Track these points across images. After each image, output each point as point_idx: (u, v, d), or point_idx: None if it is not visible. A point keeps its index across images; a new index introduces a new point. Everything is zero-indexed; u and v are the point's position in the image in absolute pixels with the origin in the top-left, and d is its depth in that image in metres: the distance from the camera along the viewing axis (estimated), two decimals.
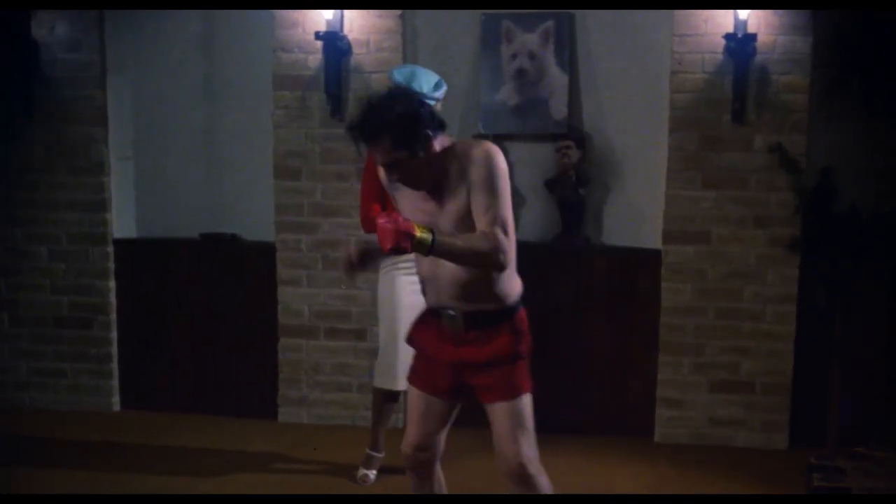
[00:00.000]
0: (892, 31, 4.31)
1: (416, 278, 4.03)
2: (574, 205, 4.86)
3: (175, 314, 5.26)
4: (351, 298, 4.98)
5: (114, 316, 5.27)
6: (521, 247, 4.96)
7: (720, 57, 4.57)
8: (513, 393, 2.91)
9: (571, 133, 4.86)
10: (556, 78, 4.86)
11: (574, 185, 4.83)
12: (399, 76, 3.87)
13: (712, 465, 4.50)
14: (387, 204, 3.99)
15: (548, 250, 4.94)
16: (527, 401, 2.94)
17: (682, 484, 4.26)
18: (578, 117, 4.91)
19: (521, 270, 4.89)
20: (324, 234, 4.96)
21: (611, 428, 4.91)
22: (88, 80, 5.08)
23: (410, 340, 3.13)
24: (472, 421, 4.94)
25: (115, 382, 5.31)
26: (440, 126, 2.82)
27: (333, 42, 4.77)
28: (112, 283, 5.25)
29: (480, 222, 2.79)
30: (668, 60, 4.66)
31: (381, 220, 2.69)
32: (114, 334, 5.28)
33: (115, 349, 5.29)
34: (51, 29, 5.05)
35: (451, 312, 2.91)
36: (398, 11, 4.82)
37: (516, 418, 2.90)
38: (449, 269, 2.86)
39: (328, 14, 4.76)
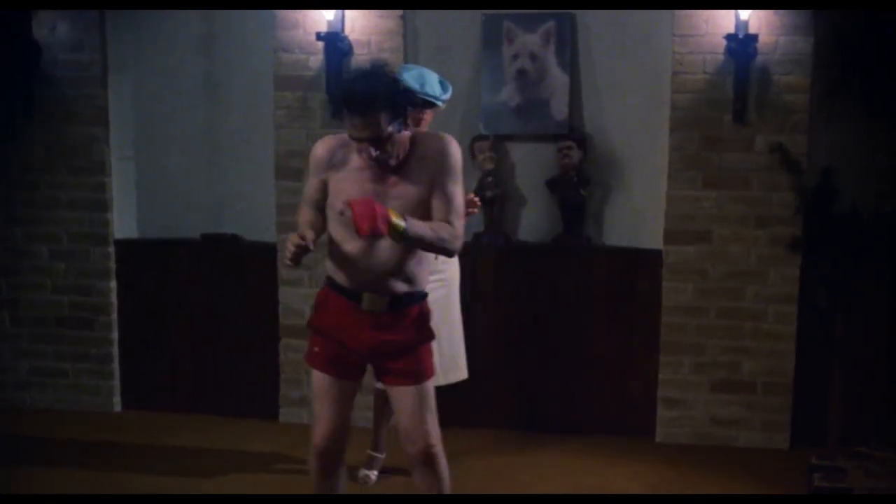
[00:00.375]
0: (894, 31, 4.31)
1: None
2: (575, 205, 4.86)
3: (176, 314, 5.26)
4: None
5: (115, 316, 5.27)
6: (523, 247, 5.02)
7: (721, 57, 4.57)
8: (422, 376, 3.05)
9: (572, 133, 4.86)
10: (557, 78, 4.86)
11: (575, 186, 4.83)
12: (409, 79, 3.88)
13: (713, 465, 4.50)
14: None
15: (549, 250, 4.94)
16: (431, 383, 3.10)
17: (682, 484, 4.26)
18: (579, 118, 4.91)
19: (523, 270, 4.93)
20: (324, 234, 4.95)
21: (611, 428, 4.91)
22: (89, 79, 5.08)
23: (314, 327, 3.10)
24: (471, 422, 4.97)
25: (116, 383, 5.31)
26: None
27: (334, 43, 4.77)
28: (113, 284, 5.24)
29: (440, 210, 2.94)
30: (669, 61, 4.66)
31: (358, 203, 2.76)
32: (114, 334, 5.28)
33: (115, 349, 5.29)
34: (52, 29, 5.05)
35: (375, 295, 2.96)
36: (399, 12, 4.82)
37: (425, 400, 3.04)
38: (383, 252, 2.93)
39: (329, 14, 4.76)
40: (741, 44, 4.47)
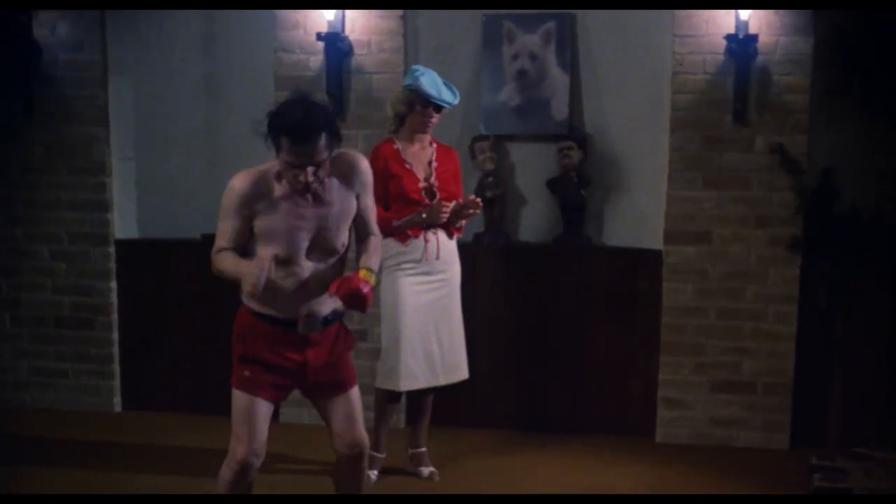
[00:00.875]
0: (894, 31, 4.31)
1: (419, 279, 4.08)
2: (575, 205, 4.86)
3: (176, 314, 5.26)
4: None
5: (115, 316, 5.27)
6: (523, 247, 5.02)
7: (721, 58, 4.57)
8: (353, 381, 3.21)
9: (573, 134, 4.87)
10: (558, 78, 4.87)
11: (575, 186, 4.83)
12: (426, 83, 3.95)
13: (713, 466, 4.50)
14: (390, 204, 4.03)
15: (549, 251, 4.94)
16: (357, 389, 3.24)
17: (682, 484, 4.25)
18: (580, 118, 4.91)
19: (523, 270, 4.93)
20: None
21: (611, 428, 4.91)
22: (90, 80, 5.09)
23: (248, 359, 3.09)
24: (471, 422, 4.97)
25: (117, 383, 5.31)
26: None
27: (335, 43, 4.77)
28: (113, 284, 5.24)
29: (365, 225, 3.17)
30: (670, 61, 4.66)
31: (346, 294, 2.93)
32: (115, 335, 5.28)
33: (116, 349, 5.29)
34: (52, 29, 5.05)
35: (308, 319, 3.05)
36: (399, 12, 4.82)
37: (356, 406, 3.19)
38: (319, 279, 3.01)
39: (329, 15, 4.76)
40: (741, 44, 4.47)
